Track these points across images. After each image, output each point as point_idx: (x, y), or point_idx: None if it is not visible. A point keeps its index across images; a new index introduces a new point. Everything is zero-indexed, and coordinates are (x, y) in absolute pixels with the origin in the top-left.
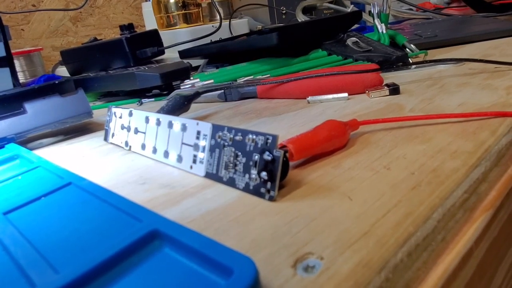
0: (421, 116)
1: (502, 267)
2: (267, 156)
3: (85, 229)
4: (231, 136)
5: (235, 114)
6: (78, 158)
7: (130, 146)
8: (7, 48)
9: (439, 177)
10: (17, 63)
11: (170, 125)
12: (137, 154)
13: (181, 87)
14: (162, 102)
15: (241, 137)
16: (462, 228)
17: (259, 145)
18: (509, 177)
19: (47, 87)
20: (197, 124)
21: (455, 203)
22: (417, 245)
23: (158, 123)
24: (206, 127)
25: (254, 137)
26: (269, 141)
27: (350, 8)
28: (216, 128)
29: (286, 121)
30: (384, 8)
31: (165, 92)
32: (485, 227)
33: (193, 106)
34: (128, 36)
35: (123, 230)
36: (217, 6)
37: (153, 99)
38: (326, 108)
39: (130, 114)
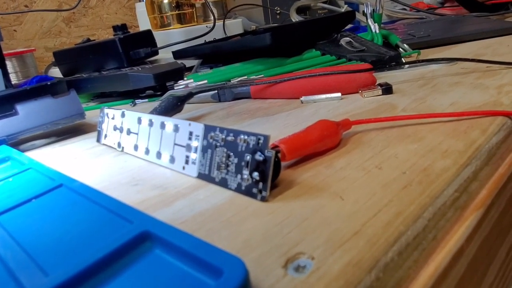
0: (413, 116)
1: (494, 265)
2: (258, 157)
3: (75, 231)
4: (223, 136)
5: (228, 114)
6: (70, 159)
7: (122, 147)
8: None
9: (430, 176)
10: (9, 64)
11: (163, 126)
12: (129, 155)
13: (175, 88)
14: (156, 103)
15: (233, 138)
16: (453, 227)
17: (250, 146)
18: (499, 175)
19: (39, 88)
20: (189, 124)
21: (445, 202)
22: (408, 244)
23: (151, 124)
24: (198, 128)
25: (246, 137)
26: (261, 141)
27: (344, 8)
28: (208, 129)
29: (279, 121)
30: (377, 8)
31: (159, 93)
32: (476, 226)
33: (187, 106)
34: (122, 36)
35: (114, 231)
36: (211, 6)
37: (146, 99)
38: (319, 108)
39: (123, 115)
